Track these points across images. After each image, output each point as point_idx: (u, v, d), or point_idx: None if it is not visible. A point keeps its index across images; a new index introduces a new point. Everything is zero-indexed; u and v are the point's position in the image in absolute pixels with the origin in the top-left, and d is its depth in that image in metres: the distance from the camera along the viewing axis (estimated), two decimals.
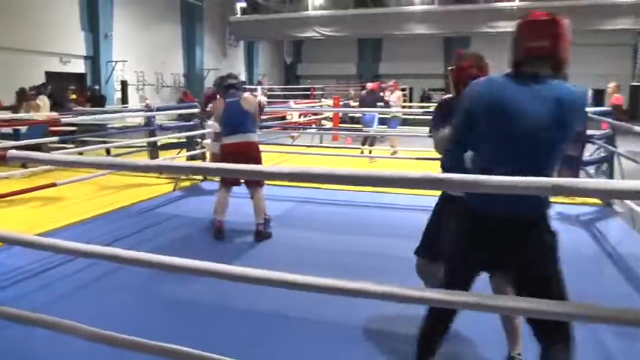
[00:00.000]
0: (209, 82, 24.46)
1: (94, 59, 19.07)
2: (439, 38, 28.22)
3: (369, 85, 11.93)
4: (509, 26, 18.29)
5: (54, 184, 5.65)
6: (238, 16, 24.78)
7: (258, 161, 5.41)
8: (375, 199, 6.86)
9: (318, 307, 3.47)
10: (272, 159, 9.80)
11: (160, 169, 2.52)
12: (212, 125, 6.73)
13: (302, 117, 15.33)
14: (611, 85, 10.89)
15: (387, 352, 3.12)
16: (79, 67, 18.81)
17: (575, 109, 2.10)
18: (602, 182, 1.58)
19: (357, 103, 16.83)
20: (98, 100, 13.62)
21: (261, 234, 5.37)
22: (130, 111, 12.80)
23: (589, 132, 6.54)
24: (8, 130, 9.71)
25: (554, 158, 2.15)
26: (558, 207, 6.37)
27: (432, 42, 28.38)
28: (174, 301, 3.84)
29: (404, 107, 18.11)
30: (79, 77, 18.75)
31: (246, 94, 5.69)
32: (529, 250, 2.15)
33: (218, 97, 5.72)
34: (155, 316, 3.63)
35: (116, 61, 19.51)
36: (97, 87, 15.53)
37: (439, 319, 2.37)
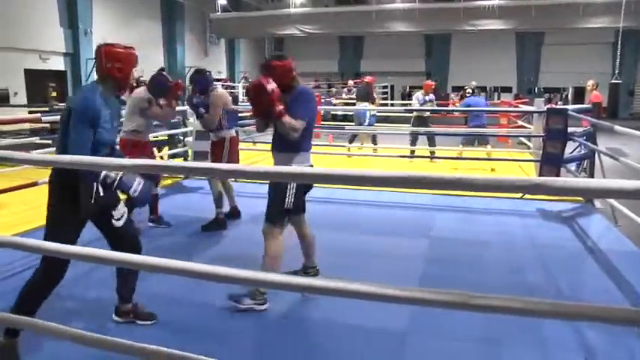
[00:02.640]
0: None
1: (73, 56, 18.84)
2: (420, 36, 28.37)
3: (367, 78, 11.92)
4: (489, 24, 18.31)
5: (35, 184, 5.58)
6: (219, 13, 24.67)
7: None
8: (360, 196, 6.87)
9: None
10: (253, 156, 9.78)
11: (138, 169, 2.54)
12: (194, 124, 6.67)
13: None
14: (590, 82, 11.03)
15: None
16: (58, 64, 18.57)
17: None
18: (580, 182, 1.60)
19: (339, 101, 16.90)
20: None
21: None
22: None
23: (570, 129, 6.60)
24: None
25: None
26: (540, 203, 6.45)
27: (413, 40, 28.50)
28: (156, 301, 3.83)
29: (384, 105, 18.18)
30: (59, 75, 18.54)
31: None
32: None
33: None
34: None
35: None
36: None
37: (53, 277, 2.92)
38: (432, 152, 9.82)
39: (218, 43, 28.34)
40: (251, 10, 25.89)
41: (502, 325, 3.26)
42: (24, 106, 15.15)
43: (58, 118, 8.95)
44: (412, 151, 10.05)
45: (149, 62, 23.29)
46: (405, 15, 21.87)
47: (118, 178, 2.90)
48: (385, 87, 24.35)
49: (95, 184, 2.94)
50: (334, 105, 15.99)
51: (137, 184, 2.94)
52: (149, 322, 3.35)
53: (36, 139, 8.71)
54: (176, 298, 3.76)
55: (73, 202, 2.92)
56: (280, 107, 3.43)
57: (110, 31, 20.26)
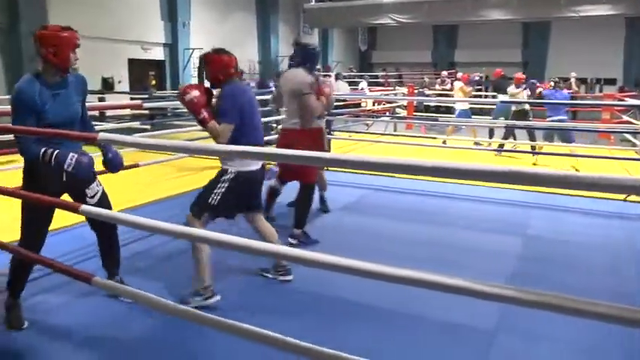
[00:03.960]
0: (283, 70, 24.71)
1: (172, 47, 19.65)
2: (517, 24, 27.25)
3: (498, 71, 11.62)
4: (594, 10, 17.06)
5: (137, 165, 5.87)
6: (312, 3, 24.82)
7: None
8: (450, 189, 6.74)
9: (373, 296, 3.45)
10: (345, 146, 9.80)
11: (232, 154, 2.59)
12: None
13: (376, 105, 15.24)
14: None
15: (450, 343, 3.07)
16: (158, 54, 19.43)
17: None
18: None
19: (432, 92, 16.58)
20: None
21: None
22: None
23: None
24: None
25: None
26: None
27: (509, 28, 27.43)
28: (242, 278, 4.00)
29: (477, 97, 17.65)
30: (158, 64, 19.40)
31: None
32: None
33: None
34: (227, 294, 3.71)
35: (193, 49, 20.01)
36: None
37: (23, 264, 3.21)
38: (534, 147, 9.29)
39: (311, 33, 28.56)
40: (344, 0, 25.88)
41: (596, 330, 3.08)
42: (126, 92, 16.01)
43: (157, 104, 9.36)
44: (501, 145, 9.72)
45: (244, 51, 23.97)
46: (502, 3, 21.07)
47: (55, 153, 2.90)
48: (480, 77, 23.68)
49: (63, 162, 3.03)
50: (427, 96, 15.71)
51: (70, 159, 2.90)
52: (130, 301, 3.35)
53: (136, 124, 9.14)
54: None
55: (38, 179, 3.09)
56: (203, 114, 3.37)
57: (206, 22, 20.99)
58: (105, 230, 3.49)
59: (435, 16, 22.93)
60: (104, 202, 3.35)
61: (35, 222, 3.15)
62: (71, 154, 2.92)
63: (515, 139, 9.96)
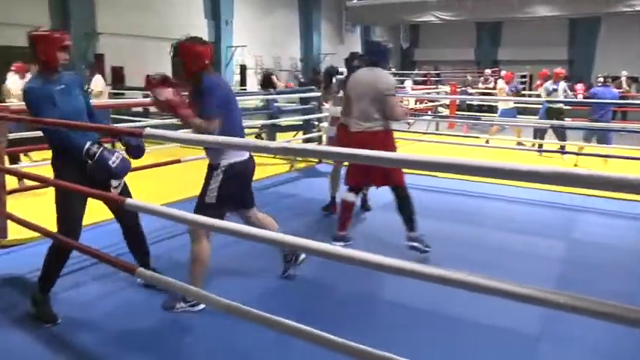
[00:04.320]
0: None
1: (215, 44, 19.90)
2: (564, 21, 26.55)
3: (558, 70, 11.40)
4: None
5: (179, 161, 5.94)
6: (355, 1, 24.74)
7: None
8: (486, 189, 6.62)
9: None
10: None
11: (277, 152, 2.59)
12: (330, 110, 6.72)
13: (418, 103, 15.10)
14: None
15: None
16: None
17: None
18: None
19: (475, 90, 16.33)
20: None
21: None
22: (253, 94, 13.21)
23: None
24: None
25: None
26: None
27: (555, 25, 26.76)
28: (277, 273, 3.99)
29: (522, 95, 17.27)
30: None
31: None
32: None
33: None
34: (259, 286, 3.76)
35: (236, 47, 20.21)
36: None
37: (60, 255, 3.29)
38: (563, 147, 9.07)
39: (354, 30, 28.50)
40: None
41: None
42: None
43: None
44: (540, 145, 9.52)
45: (286, 49, 24.12)
46: None
47: (100, 151, 3.07)
48: (524, 76, 23.27)
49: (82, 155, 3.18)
50: (470, 95, 15.47)
51: (115, 158, 3.11)
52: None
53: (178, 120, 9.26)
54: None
55: (66, 172, 3.22)
56: (184, 112, 3.16)
57: (249, 20, 21.18)
58: (129, 221, 3.61)
59: (479, 13, 22.56)
60: (125, 192, 3.46)
61: (73, 213, 3.27)
62: (116, 153, 3.14)
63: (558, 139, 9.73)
